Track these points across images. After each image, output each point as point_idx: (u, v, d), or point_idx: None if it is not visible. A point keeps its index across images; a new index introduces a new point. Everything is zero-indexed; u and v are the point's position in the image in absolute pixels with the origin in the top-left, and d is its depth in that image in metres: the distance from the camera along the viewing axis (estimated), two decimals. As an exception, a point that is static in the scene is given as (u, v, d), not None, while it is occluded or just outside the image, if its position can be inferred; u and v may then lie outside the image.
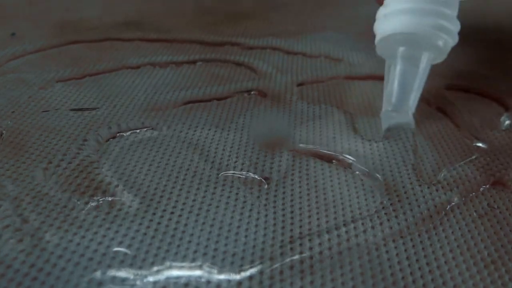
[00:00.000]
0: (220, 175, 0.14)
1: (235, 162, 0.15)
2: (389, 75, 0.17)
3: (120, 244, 0.11)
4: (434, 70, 0.17)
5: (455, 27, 0.16)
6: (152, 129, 0.16)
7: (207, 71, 0.21)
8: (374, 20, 0.18)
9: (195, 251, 0.11)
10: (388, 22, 0.17)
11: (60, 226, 0.12)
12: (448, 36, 0.16)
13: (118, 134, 0.16)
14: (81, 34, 0.24)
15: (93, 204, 0.13)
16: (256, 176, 0.14)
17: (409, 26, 0.16)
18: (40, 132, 0.15)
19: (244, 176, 0.14)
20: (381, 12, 0.17)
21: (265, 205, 0.13)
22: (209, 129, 0.16)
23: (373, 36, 0.17)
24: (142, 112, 0.17)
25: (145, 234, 0.12)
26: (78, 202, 0.13)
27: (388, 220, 0.13)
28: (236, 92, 0.19)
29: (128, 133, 0.16)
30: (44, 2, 0.29)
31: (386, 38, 0.17)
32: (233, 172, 0.14)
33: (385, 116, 0.16)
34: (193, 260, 0.11)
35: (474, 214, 0.13)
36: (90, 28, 0.25)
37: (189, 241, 0.12)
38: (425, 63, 0.16)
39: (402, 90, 0.16)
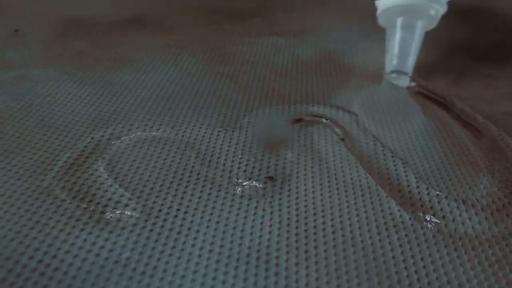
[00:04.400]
0: (225, 174, 0.14)
1: (240, 159, 0.15)
2: (390, 42, 0.20)
3: (123, 247, 0.11)
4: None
5: None
6: (156, 128, 0.16)
7: (211, 68, 0.21)
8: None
9: (201, 248, 0.11)
10: None
11: (67, 222, 0.12)
12: (439, 5, 0.20)
13: (121, 133, 0.16)
14: (85, 31, 0.24)
15: (99, 205, 0.13)
16: (261, 175, 0.14)
17: None
18: (45, 129, 0.15)
19: (248, 176, 0.14)
20: None
21: (271, 202, 0.13)
22: (214, 129, 0.16)
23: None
24: (146, 110, 0.17)
25: (148, 238, 0.12)
26: (82, 203, 0.13)
27: (393, 219, 0.13)
28: (241, 89, 0.19)
29: (132, 132, 0.16)
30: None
31: (387, 10, 0.20)
32: (237, 170, 0.14)
33: (388, 77, 0.20)
34: (199, 261, 0.11)
35: (482, 213, 0.13)
36: (94, 25, 0.25)
37: (195, 238, 0.12)
38: (419, 30, 0.20)
39: (401, 54, 0.20)
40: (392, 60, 0.20)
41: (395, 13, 0.20)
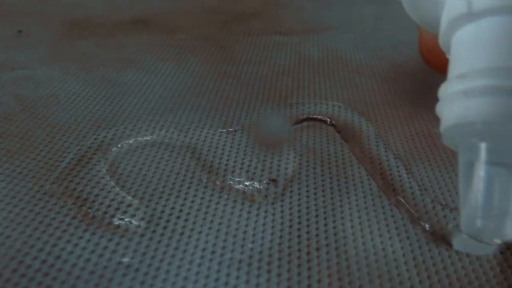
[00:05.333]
0: (227, 175, 0.14)
1: (243, 160, 0.15)
2: (466, 181, 0.11)
3: (126, 248, 0.12)
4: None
5: None
6: (159, 129, 0.16)
7: (214, 68, 0.21)
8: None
9: (203, 249, 0.11)
10: (461, 104, 0.11)
11: (70, 223, 0.12)
12: None
13: (124, 134, 0.16)
14: (89, 31, 0.24)
15: (99, 208, 0.13)
16: (263, 176, 0.14)
17: (497, 113, 0.10)
18: (48, 130, 0.16)
19: (251, 177, 0.14)
20: (453, 87, 0.11)
21: (273, 203, 0.13)
22: (216, 129, 0.16)
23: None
24: (149, 111, 0.17)
25: (150, 239, 0.12)
26: (84, 206, 0.13)
27: (395, 222, 0.13)
28: (243, 89, 0.19)
29: (135, 132, 0.16)
30: (52, 0, 0.29)
31: (460, 126, 0.11)
32: (240, 171, 0.14)
33: (459, 241, 0.12)
34: (201, 262, 0.11)
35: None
36: (97, 25, 0.25)
37: (197, 239, 0.12)
38: None
39: (491, 208, 0.10)
40: (473, 218, 0.11)
41: (477, 133, 0.11)
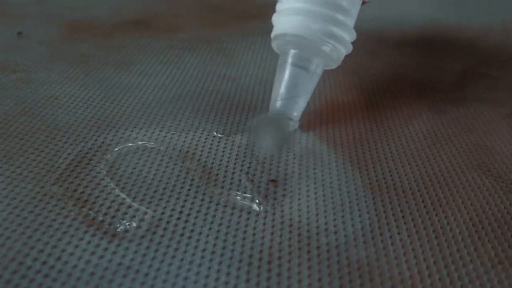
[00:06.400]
0: (228, 176, 0.14)
1: (242, 162, 0.15)
2: (278, 77, 0.16)
3: (126, 249, 0.12)
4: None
5: (349, 35, 0.16)
6: (159, 132, 0.16)
7: (214, 70, 0.21)
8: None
9: (203, 250, 0.11)
10: (281, 19, 0.16)
11: (71, 224, 0.12)
12: (339, 44, 0.15)
13: (124, 135, 0.16)
14: (88, 33, 0.24)
15: (98, 210, 0.13)
16: (263, 178, 0.14)
17: (298, 29, 0.15)
18: (48, 131, 0.16)
19: (251, 179, 0.14)
20: (278, 6, 0.16)
21: (273, 204, 0.13)
22: (216, 132, 0.16)
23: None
24: (148, 113, 0.17)
25: (150, 240, 0.12)
26: (84, 208, 0.13)
27: (396, 220, 0.13)
28: (243, 92, 0.19)
29: (135, 135, 0.16)
30: (52, 1, 0.29)
31: (278, 37, 0.16)
32: (239, 173, 0.14)
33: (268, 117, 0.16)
34: (201, 262, 0.11)
35: (482, 213, 0.13)
36: (97, 27, 0.25)
37: (197, 240, 0.12)
38: (314, 68, 0.16)
39: (289, 94, 0.15)
40: (276, 100, 0.16)
41: (287, 43, 0.16)
